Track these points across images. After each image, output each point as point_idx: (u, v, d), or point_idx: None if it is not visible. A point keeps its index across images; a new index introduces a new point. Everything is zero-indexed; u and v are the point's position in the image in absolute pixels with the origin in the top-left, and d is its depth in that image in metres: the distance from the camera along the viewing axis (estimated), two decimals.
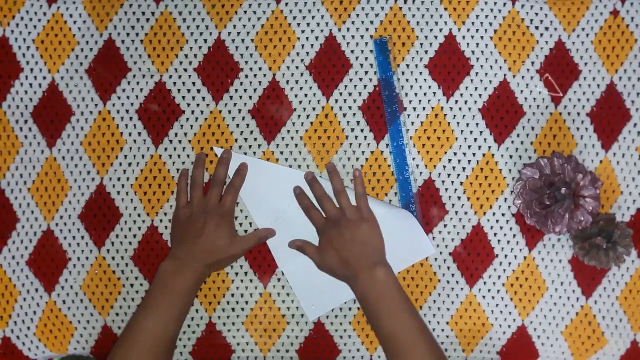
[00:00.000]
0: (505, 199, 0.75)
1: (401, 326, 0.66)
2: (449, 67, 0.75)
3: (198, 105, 0.75)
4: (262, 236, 0.74)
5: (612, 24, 0.75)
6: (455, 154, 0.75)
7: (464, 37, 0.75)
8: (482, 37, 0.75)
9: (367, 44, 0.75)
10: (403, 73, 0.75)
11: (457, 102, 0.75)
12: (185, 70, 0.75)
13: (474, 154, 0.75)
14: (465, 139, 0.75)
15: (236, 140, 0.75)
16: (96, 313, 0.76)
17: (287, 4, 0.75)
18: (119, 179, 0.75)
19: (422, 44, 0.75)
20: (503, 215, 0.75)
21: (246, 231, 0.75)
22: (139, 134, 0.75)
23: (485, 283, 0.76)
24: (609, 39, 0.75)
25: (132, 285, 0.75)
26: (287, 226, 0.74)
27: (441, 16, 0.74)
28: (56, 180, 0.75)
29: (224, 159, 0.74)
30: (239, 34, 0.75)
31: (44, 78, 0.75)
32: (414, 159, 0.75)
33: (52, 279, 0.75)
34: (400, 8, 0.75)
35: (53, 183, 0.75)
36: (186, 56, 0.75)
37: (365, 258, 0.69)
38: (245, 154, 0.75)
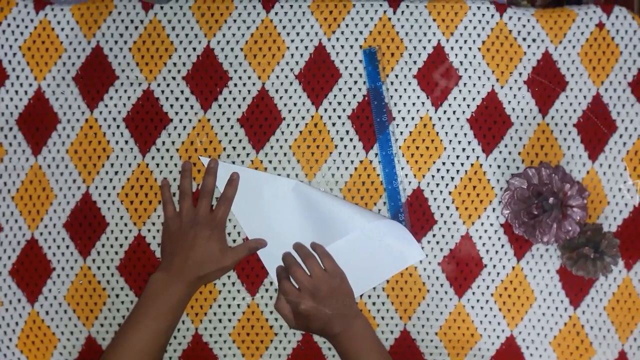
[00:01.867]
0: (493, 209, 0.75)
1: None
2: (437, 77, 0.75)
3: (186, 113, 0.74)
4: (252, 247, 0.73)
5: (598, 36, 0.76)
6: (443, 163, 0.75)
7: (452, 48, 0.75)
8: (470, 48, 0.75)
9: (356, 53, 0.75)
10: (392, 83, 0.75)
11: (445, 112, 0.75)
12: (174, 78, 0.74)
13: (462, 164, 0.75)
14: (454, 148, 0.75)
15: (224, 149, 0.74)
16: (80, 324, 0.74)
17: (276, 13, 0.75)
18: (105, 188, 0.74)
19: (410, 54, 0.75)
20: (491, 225, 0.75)
21: (234, 241, 0.74)
22: (126, 142, 0.74)
23: (473, 293, 0.75)
24: (594, 50, 0.76)
25: (117, 296, 0.74)
26: (277, 234, 0.74)
27: (430, 27, 0.75)
28: (41, 188, 0.74)
29: (211, 169, 0.73)
30: (228, 42, 0.75)
31: (30, 85, 0.74)
32: (402, 168, 0.75)
33: (35, 289, 0.74)
34: (389, 18, 0.75)
35: (38, 191, 0.74)
36: (174, 64, 0.74)
37: (344, 315, 0.69)
38: (234, 162, 0.74)
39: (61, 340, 0.74)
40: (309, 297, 0.69)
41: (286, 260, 0.73)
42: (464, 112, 0.75)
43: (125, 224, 0.74)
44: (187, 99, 0.74)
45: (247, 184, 0.74)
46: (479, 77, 0.75)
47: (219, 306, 0.75)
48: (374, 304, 0.75)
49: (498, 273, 0.75)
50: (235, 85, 0.75)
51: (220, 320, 0.75)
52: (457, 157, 0.75)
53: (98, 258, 0.74)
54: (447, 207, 0.75)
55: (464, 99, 0.75)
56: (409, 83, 0.75)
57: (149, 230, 0.74)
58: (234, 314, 0.75)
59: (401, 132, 0.75)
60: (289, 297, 0.70)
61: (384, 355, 0.70)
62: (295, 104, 0.75)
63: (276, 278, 0.73)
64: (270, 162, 0.75)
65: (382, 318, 0.75)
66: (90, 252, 0.74)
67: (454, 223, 0.75)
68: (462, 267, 0.75)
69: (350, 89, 0.75)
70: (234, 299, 0.75)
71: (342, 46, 0.75)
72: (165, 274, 0.68)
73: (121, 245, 0.74)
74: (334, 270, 0.72)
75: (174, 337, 0.74)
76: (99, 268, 0.74)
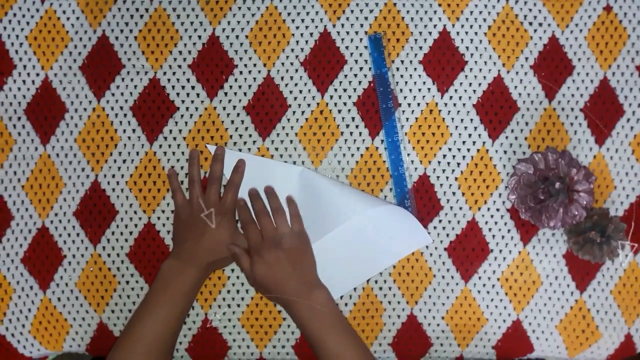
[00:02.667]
0: (500, 194, 0.75)
1: (346, 346, 0.66)
2: (443, 62, 0.75)
3: (192, 101, 0.75)
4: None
5: (605, 19, 0.75)
6: (449, 149, 0.75)
7: (458, 33, 0.75)
8: (476, 33, 0.75)
9: (361, 39, 0.75)
10: (397, 69, 0.75)
11: (451, 97, 0.75)
12: (180, 66, 0.74)
13: (468, 150, 0.75)
14: (460, 134, 0.75)
15: (231, 137, 0.75)
16: (91, 310, 0.75)
17: (281, 0, 0.74)
18: (113, 176, 0.75)
19: (416, 40, 0.75)
20: (497, 210, 0.75)
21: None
22: (133, 130, 0.75)
23: (480, 278, 0.76)
24: (602, 34, 0.75)
25: (127, 282, 0.75)
26: None
27: (435, 12, 0.75)
28: (50, 177, 0.75)
29: (218, 156, 0.74)
30: (233, 30, 0.75)
31: (37, 75, 0.74)
32: (408, 154, 0.75)
33: (47, 276, 0.75)
34: (395, 4, 0.75)
35: (47, 180, 0.75)
36: (180, 52, 0.74)
37: (303, 281, 0.69)
38: (240, 150, 0.75)
39: (73, 326, 0.76)
40: (271, 246, 0.68)
41: (256, 205, 0.72)
42: (470, 97, 0.75)
43: (135, 212, 0.75)
44: (193, 87, 0.75)
45: (254, 171, 0.74)
46: (485, 62, 0.75)
47: (228, 292, 0.76)
48: (380, 288, 0.76)
49: (504, 258, 0.76)
50: (241, 72, 0.75)
51: (229, 306, 0.76)
52: (463, 142, 0.75)
53: (108, 245, 0.75)
54: (454, 193, 0.75)
55: (470, 84, 0.75)
56: (415, 69, 0.75)
57: (158, 218, 0.75)
58: (242, 299, 0.76)
59: (407, 118, 0.75)
60: (252, 243, 0.70)
61: (348, 328, 0.68)
62: (300, 91, 0.75)
63: (240, 223, 0.73)
64: (276, 149, 0.75)
65: (389, 302, 0.76)
66: (100, 239, 0.75)
67: (460, 208, 0.75)
68: (469, 252, 0.76)
69: (355, 75, 0.75)
70: (242, 284, 0.76)
71: (347, 32, 0.75)
72: (176, 261, 0.69)
73: (131, 233, 0.75)
74: (301, 232, 0.71)
75: (184, 322, 0.75)
76: (109, 255, 0.75)
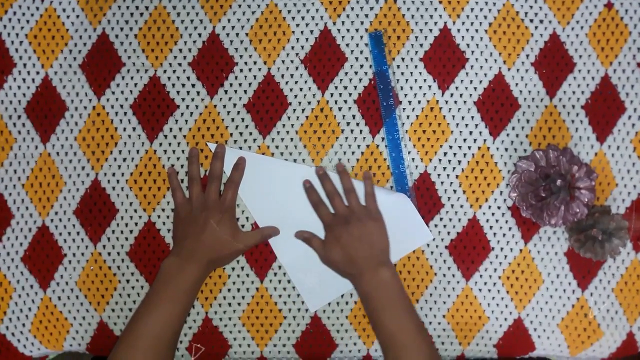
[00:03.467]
0: (501, 192, 0.75)
1: (403, 327, 0.67)
2: (444, 60, 0.75)
3: (193, 100, 0.74)
4: (266, 234, 0.74)
5: (607, 16, 0.75)
6: (450, 147, 0.75)
7: (459, 31, 0.75)
8: (477, 31, 0.75)
9: (362, 37, 0.75)
10: (398, 67, 0.75)
11: (452, 95, 0.75)
12: (180, 64, 0.74)
13: (470, 147, 0.75)
14: (461, 132, 0.75)
15: (231, 135, 0.75)
16: (92, 309, 0.75)
17: None
18: (113, 175, 0.75)
19: (417, 38, 0.75)
20: (499, 208, 0.75)
21: (243, 226, 0.75)
22: (134, 129, 0.74)
23: (481, 276, 0.76)
24: (603, 31, 0.75)
25: (128, 281, 0.75)
26: (287, 220, 0.74)
27: (436, 9, 0.74)
28: (51, 176, 0.74)
29: (218, 154, 0.73)
30: (233, 28, 0.74)
31: (38, 73, 0.74)
32: (409, 152, 0.75)
33: (47, 275, 0.75)
34: (395, 1, 0.74)
35: (47, 179, 0.74)
36: (180, 51, 0.74)
37: (371, 258, 0.69)
38: (241, 148, 0.75)
39: (74, 325, 0.75)
40: (343, 224, 0.70)
41: (326, 186, 0.73)
42: (471, 95, 0.75)
43: (135, 211, 0.75)
44: (193, 85, 0.74)
45: (256, 169, 0.74)
46: (486, 60, 0.75)
47: (229, 290, 0.75)
48: None
49: (506, 256, 0.76)
50: (241, 70, 0.74)
51: (230, 305, 0.76)
52: (465, 140, 0.75)
53: (108, 244, 0.75)
54: (455, 191, 0.75)
55: (471, 82, 0.75)
56: (416, 66, 0.75)
57: (158, 217, 0.75)
58: (243, 298, 0.76)
59: (408, 116, 0.75)
60: (325, 222, 0.71)
61: (409, 308, 0.68)
62: (301, 89, 0.75)
63: (311, 205, 0.73)
64: (277, 147, 0.75)
65: None
66: (100, 238, 0.75)
67: (462, 207, 0.75)
68: (470, 251, 0.76)
69: (356, 73, 0.75)
70: (243, 283, 0.75)
71: (348, 30, 0.75)
72: (177, 259, 0.69)
73: (131, 232, 0.75)
74: (373, 210, 0.71)
75: (185, 321, 0.75)
76: (109, 254, 0.75)
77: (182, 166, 0.75)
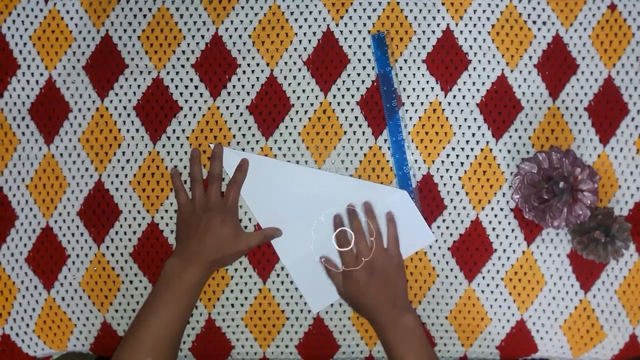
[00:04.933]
0: (504, 194, 0.75)
1: None
2: (447, 61, 0.75)
3: (195, 101, 0.75)
4: (268, 234, 0.74)
5: (610, 18, 0.75)
6: (453, 148, 0.75)
7: (461, 32, 0.75)
8: (479, 32, 0.74)
9: (364, 39, 0.75)
10: (401, 68, 0.75)
11: (454, 96, 0.75)
12: (183, 66, 0.75)
13: (472, 149, 0.75)
14: (463, 133, 0.75)
15: (234, 136, 0.75)
16: (95, 310, 0.76)
17: (284, 0, 0.74)
18: (117, 176, 0.75)
19: (419, 39, 0.75)
20: (501, 209, 0.75)
21: (246, 227, 0.75)
22: (137, 130, 0.75)
23: (484, 277, 0.76)
24: (606, 33, 0.75)
25: (131, 282, 0.75)
26: (289, 221, 0.74)
27: (438, 11, 0.74)
28: (54, 177, 0.75)
29: (216, 154, 0.74)
30: (236, 29, 0.75)
31: (41, 74, 0.74)
32: (412, 154, 0.75)
33: (51, 275, 0.75)
34: (398, 3, 0.75)
35: (51, 180, 0.75)
36: (183, 52, 0.75)
37: (394, 304, 0.69)
38: (243, 149, 0.75)
39: (77, 325, 0.76)
40: (366, 269, 0.70)
41: (354, 224, 0.73)
42: (473, 96, 0.75)
43: (138, 212, 0.75)
44: (196, 87, 0.75)
45: (257, 170, 0.74)
46: (489, 61, 0.75)
47: (232, 291, 0.76)
48: None
49: (508, 257, 0.76)
50: (244, 72, 0.75)
51: (232, 305, 0.76)
52: (467, 142, 0.75)
53: (112, 245, 0.75)
54: (457, 192, 0.75)
55: (474, 83, 0.75)
56: (418, 68, 0.75)
57: (161, 218, 0.75)
58: (246, 299, 0.76)
59: (410, 118, 0.75)
60: (346, 261, 0.71)
61: (432, 355, 0.68)
62: (304, 91, 0.75)
63: (337, 242, 0.73)
64: (279, 149, 0.75)
65: None
66: (104, 239, 0.75)
67: (464, 208, 0.75)
68: (472, 252, 0.76)
69: (359, 74, 0.75)
70: (246, 284, 0.76)
71: (351, 31, 0.75)
72: (179, 259, 0.69)
73: (134, 233, 0.75)
74: (395, 254, 0.72)
75: (188, 322, 0.75)
76: (112, 255, 0.75)
77: (185, 167, 0.75)
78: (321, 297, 0.75)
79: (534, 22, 0.74)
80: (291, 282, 0.76)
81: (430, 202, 0.75)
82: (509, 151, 0.75)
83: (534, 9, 0.74)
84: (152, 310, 0.67)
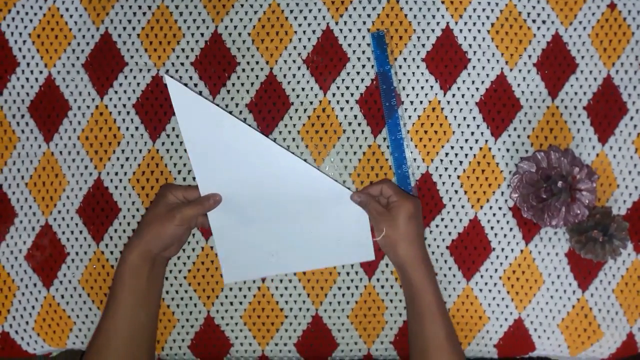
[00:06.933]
0: (502, 193, 0.75)
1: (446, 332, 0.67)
2: (446, 60, 0.75)
3: None
4: (207, 205, 0.68)
5: (609, 17, 0.75)
6: (452, 147, 0.75)
7: (460, 31, 0.75)
8: (479, 31, 0.74)
9: (364, 37, 0.75)
10: (400, 66, 0.75)
11: (454, 95, 0.75)
12: (182, 64, 0.75)
13: (471, 148, 0.75)
14: (462, 132, 0.75)
15: None
16: (94, 307, 0.76)
17: None
18: (116, 174, 0.75)
19: (419, 38, 0.75)
20: (500, 208, 0.75)
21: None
22: (136, 128, 0.75)
23: (482, 276, 0.76)
24: (605, 32, 0.75)
25: None
26: (232, 186, 0.70)
27: (438, 9, 0.74)
28: (53, 174, 0.75)
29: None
30: (235, 27, 0.75)
31: (40, 72, 0.74)
32: (411, 152, 0.75)
33: (50, 273, 0.75)
34: (397, 1, 0.74)
35: (50, 177, 0.75)
36: (183, 50, 0.74)
37: (424, 251, 0.69)
38: None
39: (76, 323, 0.76)
40: (409, 197, 0.68)
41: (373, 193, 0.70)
42: (472, 95, 0.75)
43: (137, 209, 0.75)
44: (196, 85, 0.75)
45: (215, 125, 0.68)
46: (488, 60, 0.75)
47: (230, 289, 0.76)
48: (382, 287, 0.76)
49: (506, 256, 0.76)
50: (244, 70, 0.75)
51: (231, 303, 0.76)
52: (466, 140, 0.75)
53: (111, 243, 0.75)
54: (456, 191, 0.75)
55: (473, 82, 0.75)
56: (418, 66, 0.75)
57: None
58: (244, 296, 0.76)
59: (409, 116, 0.75)
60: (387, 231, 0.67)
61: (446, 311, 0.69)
62: (303, 89, 0.75)
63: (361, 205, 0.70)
64: None
65: (391, 301, 0.76)
66: (103, 237, 0.75)
67: (463, 207, 0.75)
68: (471, 251, 0.76)
69: (358, 73, 0.75)
70: (244, 282, 0.76)
71: (350, 30, 0.75)
72: (130, 255, 0.67)
73: (133, 231, 0.75)
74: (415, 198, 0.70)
75: (186, 320, 0.76)
76: (112, 253, 0.75)
77: (185, 164, 0.75)
78: (237, 271, 0.74)
79: (534, 21, 0.74)
80: (290, 281, 0.76)
81: (429, 200, 0.75)
82: (507, 150, 0.75)
83: (534, 7, 0.74)
84: (114, 310, 0.66)
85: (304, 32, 0.75)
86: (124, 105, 0.75)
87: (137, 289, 0.67)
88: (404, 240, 0.67)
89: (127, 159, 0.75)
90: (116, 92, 0.74)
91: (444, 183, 0.75)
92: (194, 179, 0.75)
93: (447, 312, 0.69)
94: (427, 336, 0.66)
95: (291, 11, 0.74)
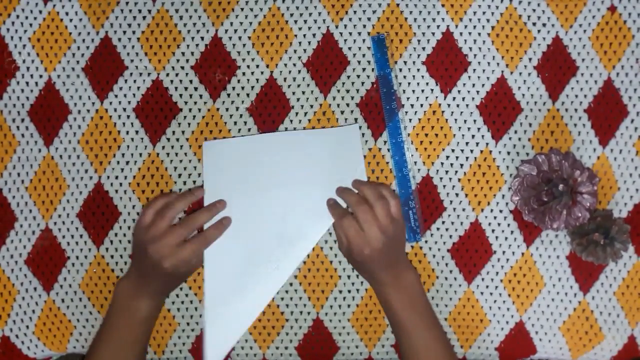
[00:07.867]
0: (503, 196, 0.75)
1: (423, 330, 0.67)
2: (446, 63, 0.75)
3: (195, 102, 0.75)
4: (210, 238, 0.68)
5: (610, 19, 0.75)
6: (452, 150, 0.75)
7: (461, 34, 0.75)
8: (479, 34, 0.74)
9: (364, 40, 0.75)
10: (401, 70, 0.75)
11: (454, 98, 0.75)
12: (182, 67, 0.74)
13: (472, 151, 0.75)
14: (463, 135, 0.75)
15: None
16: (95, 311, 0.76)
17: (283, 1, 0.74)
18: (116, 177, 0.75)
19: (419, 41, 0.75)
20: (501, 211, 0.75)
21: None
22: (136, 132, 0.75)
23: (483, 279, 0.76)
24: (606, 34, 0.75)
25: None
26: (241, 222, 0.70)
27: (438, 12, 0.74)
28: (54, 178, 0.75)
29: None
30: (235, 31, 0.75)
31: (40, 76, 0.74)
32: (412, 155, 0.75)
33: (50, 277, 0.75)
34: (397, 4, 0.74)
35: (50, 182, 0.75)
36: (183, 53, 0.74)
37: (396, 263, 0.68)
38: None
39: (77, 327, 0.76)
40: (376, 201, 0.65)
41: (352, 198, 0.67)
42: (473, 98, 0.75)
43: (138, 214, 0.75)
44: (196, 89, 0.75)
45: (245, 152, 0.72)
46: (489, 63, 0.75)
47: None
48: None
49: (507, 259, 0.76)
50: (244, 74, 0.75)
51: None
52: (467, 143, 0.75)
53: (111, 247, 0.75)
54: (457, 194, 0.75)
55: (473, 85, 0.75)
56: (418, 70, 0.75)
57: None
58: None
59: (410, 119, 0.75)
60: (350, 236, 0.65)
61: (429, 313, 0.68)
62: (303, 92, 0.75)
63: (333, 215, 0.68)
64: None
65: None
66: (103, 241, 0.75)
67: (464, 210, 0.75)
68: (472, 254, 0.76)
69: (358, 76, 0.75)
70: None
71: (350, 33, 0.75)
72: (131, 284, 0.69)
73: (134, 235, 0.75)
74: (399, 217, 0.67)
75: (187, 324, 0.76)
76: (112, 257, 0.75)
77: (185, 168, 0.75)
78: (223, 344, 0.68)
79: (534, 24, 0.74)
80: (290, 284, 0.76)
81: (429, 203, 0.75)
82: (508, 153, 0.75)
83: (534, 10, 0.74)
84: (108, 335, 0.68)
85: (304, 35, 0.75)
86: (124, 109, 0.74)
87: (136, 320, 0.68)
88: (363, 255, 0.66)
89: (127, 163, 0.75)
90: (116, 96, 0.74)
91: (444, 186, 0.75)
92: (194, 182, 0.75)
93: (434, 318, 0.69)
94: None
95: (291, 15, 0.74)
